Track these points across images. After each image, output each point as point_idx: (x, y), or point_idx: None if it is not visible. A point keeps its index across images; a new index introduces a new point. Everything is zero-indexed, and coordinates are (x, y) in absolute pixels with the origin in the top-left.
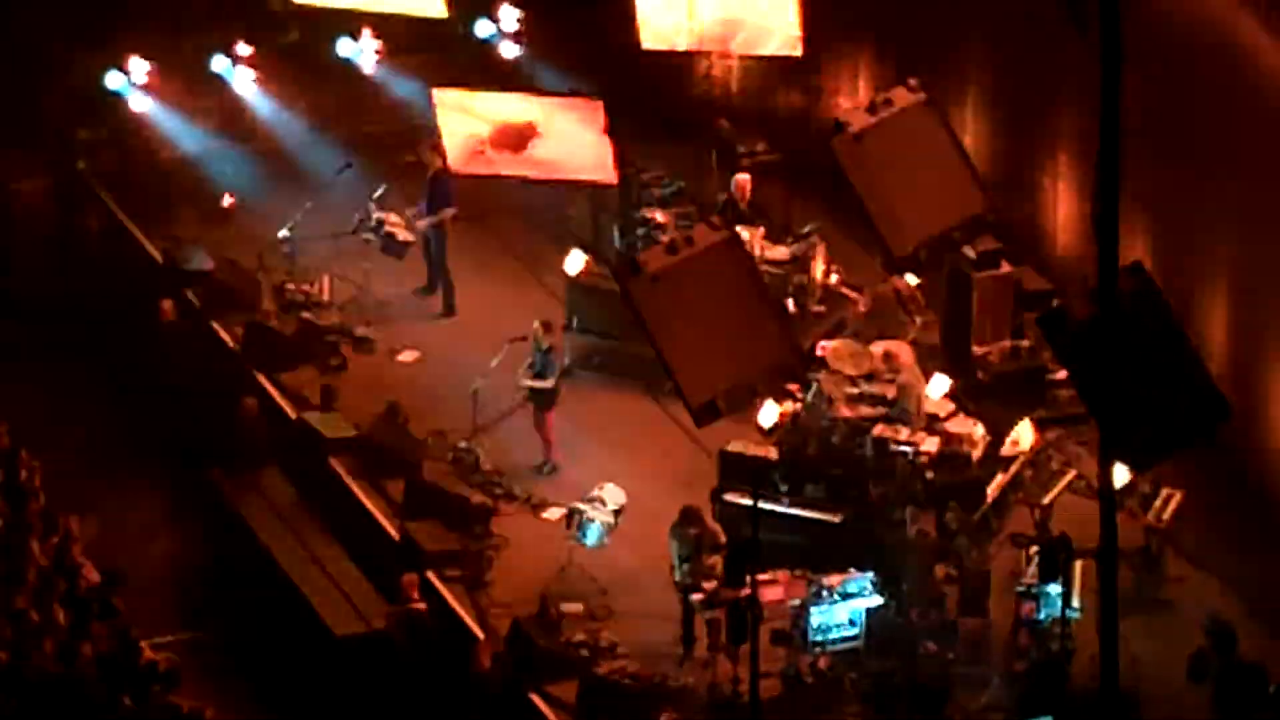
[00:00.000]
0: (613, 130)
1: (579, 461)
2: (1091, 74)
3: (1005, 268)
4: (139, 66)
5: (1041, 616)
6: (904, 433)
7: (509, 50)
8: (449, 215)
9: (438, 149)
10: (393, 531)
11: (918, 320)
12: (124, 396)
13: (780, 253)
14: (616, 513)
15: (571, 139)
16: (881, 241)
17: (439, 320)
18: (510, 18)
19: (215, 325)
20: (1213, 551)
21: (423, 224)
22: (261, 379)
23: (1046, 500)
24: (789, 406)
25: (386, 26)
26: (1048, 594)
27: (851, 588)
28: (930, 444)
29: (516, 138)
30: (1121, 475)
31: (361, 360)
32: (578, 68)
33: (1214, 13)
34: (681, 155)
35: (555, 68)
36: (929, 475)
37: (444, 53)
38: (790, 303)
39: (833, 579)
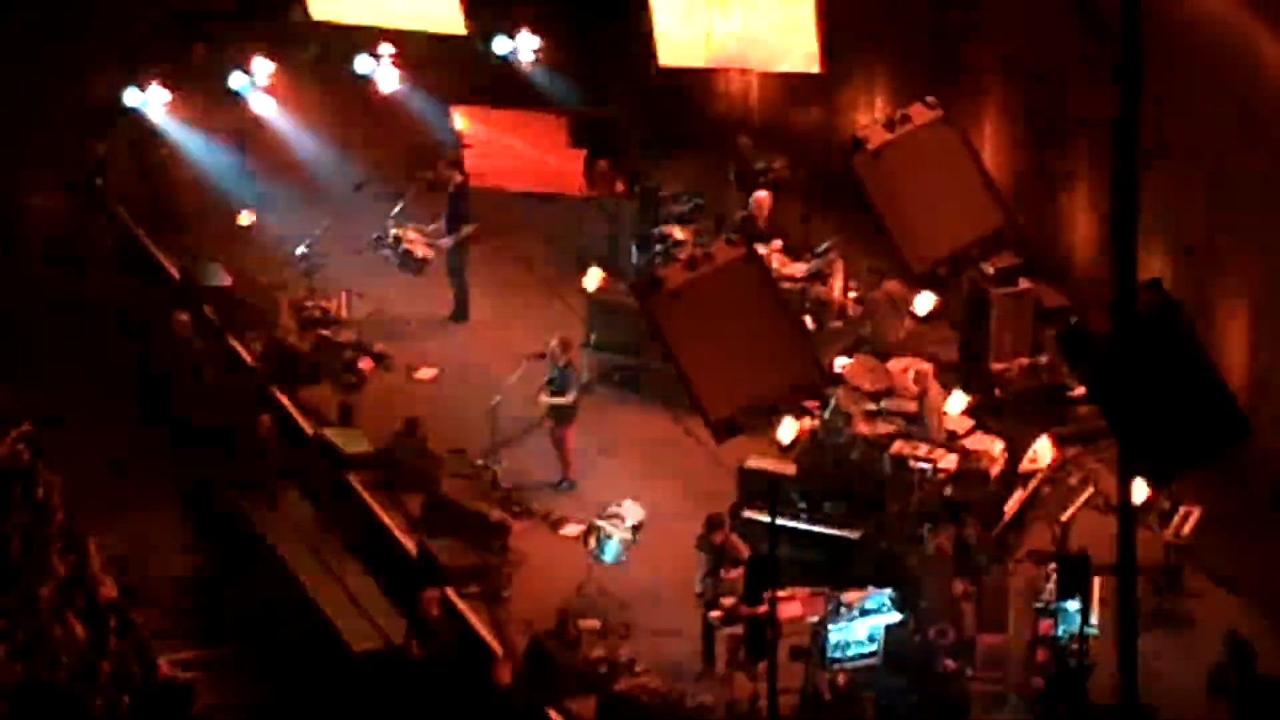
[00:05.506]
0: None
1: (597, 478)
2: (1111, 90)
3: (1024, 284)
4: (156, 83)
5: (1060, 633)
6: (922, 449)
7: (527, 67)
8: (469, 231)
9: (456, 165)
10: (411, 548)
11: (908, 322)
12: (141, 412)
13: (798, 269)
14: (635, 529)
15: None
16: (900, 258)
17: (456, 335)
18: (528, 38)
19: (233, 342)
20: (1231, 567)
21: (444, 241)
22: (279, 396)
23: (1065, 517)
24: (807, 423)
25: (405, 43)
26: (1066, 610)
27: (870, 604)
28: (948, 460)
29: None
30: (1140, 491)
31: (380, 377)
32: (596, 84)
33: (1232, 28)
34: (700, 172)
35: (573, 84)
36: (947, 492)
37: (463, 70)
38: (808, 319)
39: (851, 596)
